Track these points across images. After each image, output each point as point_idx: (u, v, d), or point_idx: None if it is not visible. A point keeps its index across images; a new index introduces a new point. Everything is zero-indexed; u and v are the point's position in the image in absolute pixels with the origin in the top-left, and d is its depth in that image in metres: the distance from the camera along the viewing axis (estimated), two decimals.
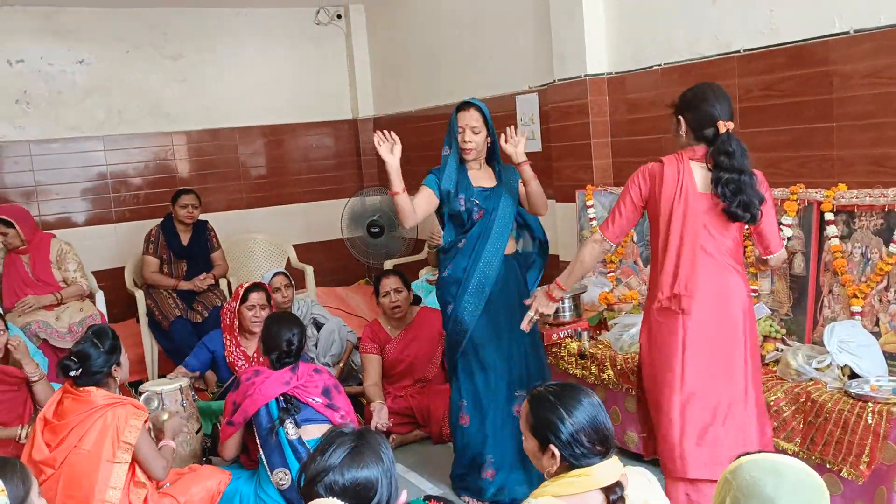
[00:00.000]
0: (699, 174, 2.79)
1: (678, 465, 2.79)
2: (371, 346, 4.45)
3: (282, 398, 3.39)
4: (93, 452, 3.02)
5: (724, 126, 2.73)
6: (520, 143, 3.44)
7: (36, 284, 5.10)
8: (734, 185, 2.70)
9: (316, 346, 4.95)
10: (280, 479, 3.35)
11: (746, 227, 2.89)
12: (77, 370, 3.11)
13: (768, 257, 2.93)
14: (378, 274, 4.65)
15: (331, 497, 1.76)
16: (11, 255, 5.15)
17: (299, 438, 3.36)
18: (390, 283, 4.46)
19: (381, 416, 4.09)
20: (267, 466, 3.39)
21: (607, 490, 1.95)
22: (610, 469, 1.99)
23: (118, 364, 3.23)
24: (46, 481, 3.02)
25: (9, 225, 5.09)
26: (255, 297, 4.34)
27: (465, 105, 3.48)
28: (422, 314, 4.57)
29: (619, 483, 1.96)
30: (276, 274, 4.94)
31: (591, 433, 1.99)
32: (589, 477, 1.97)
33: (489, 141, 3.52)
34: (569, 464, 2.00)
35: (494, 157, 3.58)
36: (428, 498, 3.50)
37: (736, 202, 2.72)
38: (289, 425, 3.37)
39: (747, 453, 1.79)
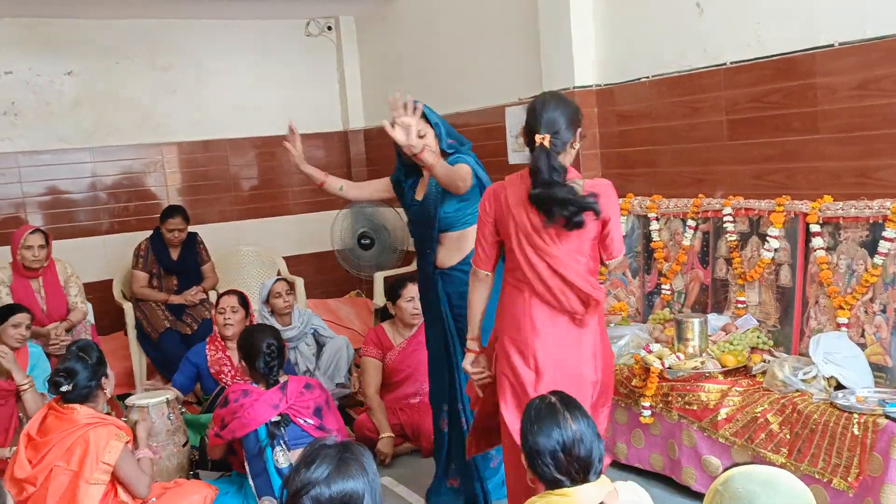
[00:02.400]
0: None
1: None
2: (373, 351, 4.43)
3: (271, 422, 3.35)
4: (76, 472, 3.00)
5: (539, 138, 2.59)
6: (411, 129, 2.98)
7: (47, 313, 4.92)
8: (541, 184, 2.58)
9: (317, 359, 4.93)
10: None
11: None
12: (68, 385, 3.13)
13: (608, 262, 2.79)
14: (400, 279, 4.58)
15: None
16: (21, 279, 4.91)
17: (289, 466, 3.29)
18: (414, 290, 4.23)
19: (385, 448, 4.12)
20: (255, 491, 3.35)
21: None
22: (591, 493, 1.99)
23: (106, 376, 3.25)
24: (30, 498, 2.99)
25: (47, 239, 4.94)
26: (226, 300, 4.40)
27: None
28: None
29: None
30: (277, 280, 4.95)
31: (556, 457, 2.01)
32: (569, 498, 1.98)
33: (437, 139, 3.29)
34: (544, 481, 2.02)
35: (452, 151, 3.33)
36: None
37: (542, 206, 2.61)
38: (279, 453, 3.31)
39: (736, 464, 1.79)
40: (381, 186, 3.70)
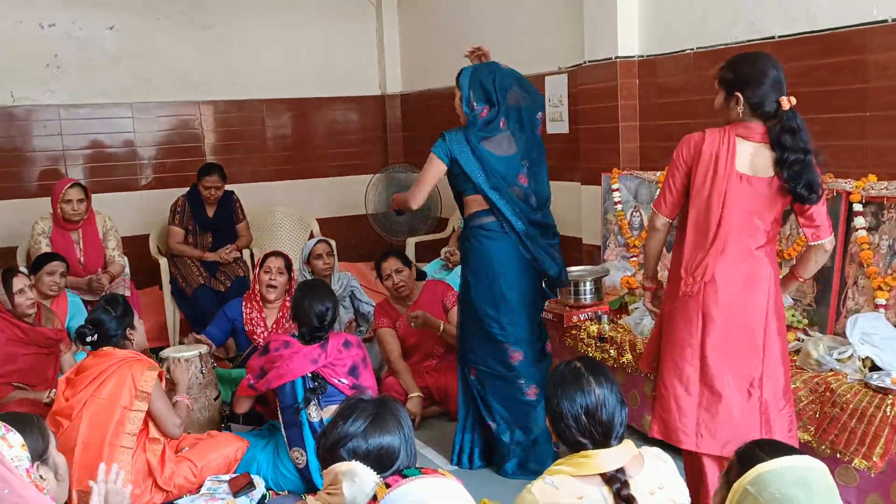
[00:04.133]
0: (745, 154, 2.65)
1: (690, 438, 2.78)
2: (385, 322, 4.46)
3: (309, 377, 3.38)
4: (110, 401, 3.12)
5: (787, 102, 2.59)
6: None
7: (84, 265, 5.01)
8: (799, 166, 2.57)
9: (352, 320, 4.96)
10: (297, 459, 3.38)
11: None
12: (92, 335, 3.27)
13: (818, 243, 2.72)
14: (378, 259, 4.61)
15: (354, 460, 1.79)
16: (61, 230, 5.01)
17: (321, 420, 3.35)
18: (389, 265, 4.43)
19: (414, 407, 4.15)
20: (287, 442, 3.41)
21: (608, 477, 1.98)
22: (612, 456, 2.02)
23: (132, 327, 3.35)
24: (64, 432, 3.10)
25: (86, 192, 5.02)
26: (273, 262, 4.42)
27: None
28: (426, 289, 4.56)
29: (622, 469, 1.99)
30: (319, 241, 4.93)
31: (579, 420, 2.03)
32: (591, 460, 2.01)
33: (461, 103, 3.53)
34: (567, 444, 2.05)
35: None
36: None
37: (802, 183, 2.58)
38: (312, 407, 3.36)
39: (753, 449, 1.73)
40: None
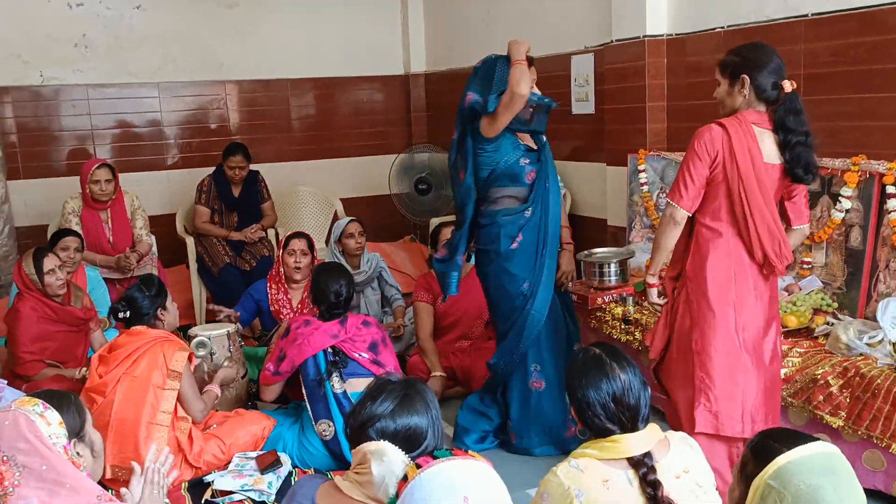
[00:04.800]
0: (764, 143, 2.72)
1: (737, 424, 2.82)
2: (425, 296, 4.47)
3: (330, 350, 3.46)
4: (143, 378, 3.17)
5: (790, 84, 2.68)
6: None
7: (113, 244, 5.07)
8: (801, 148, 2.66)
9: (380, 302, 4.97)
10: (324, 430, 3.43)
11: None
12: (125, 312, 3.35)
13: (801, 227, 2.89)
14: (438, 225, 4.63)
15: (382, 440, 1.81)
16: (90, 210, 5.06)
17: (344, 392, 3.43)
18: (448, 234, 4.42)
19: (435, 386, 4.16)
20: (312, 416, 3.46)
21: (635, 461, 1.98)
22: (639, 440, 2.02)
23: (164, 308, 3.40)
24: (98, 408, 3.15)
25: (113, 173, 5.07)
26: (296, 244, 4.45)
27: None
28: (475, 271, 4.57)
29: (649, 454, 1.99)
30: (351, 220, 4.92)
31: (607, 407, 2.03)
32: (618, 444, 2.01)
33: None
34: (595, 431, 2.04)
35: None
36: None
37: (801, 164, 2.68)
38: (335, 379, 3.44)
39: (769, 440, 1.69)
40: None
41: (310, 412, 3.47)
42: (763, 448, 1.67)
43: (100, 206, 5.07)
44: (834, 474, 1.60)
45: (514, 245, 3.43)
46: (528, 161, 3.42)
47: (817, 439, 1.68)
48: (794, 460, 1.61)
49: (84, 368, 3.72)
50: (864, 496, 1.63)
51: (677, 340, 2.92)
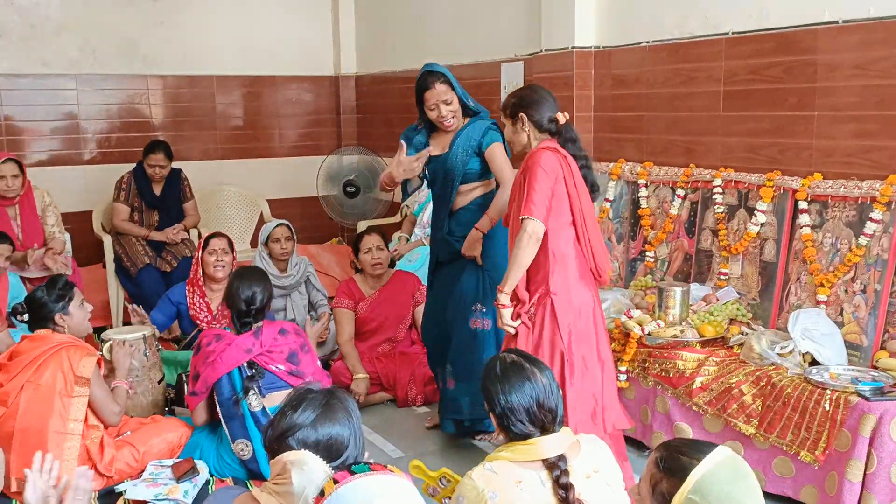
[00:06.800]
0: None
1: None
2: (345, 302, 4.46)
3: (245, 366, 3.30)
4: (48, 386, 3.04)
5: (563, 117, 2.97)
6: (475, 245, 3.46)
7: (22, 241, 4.81)
8: (585, 170, 2.97)
9: (307, 307, 4.88)
10: (241, 451, 3.29)
11: None
12: (23, 314, 3.26)
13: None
14: (360, 232, 4.63)
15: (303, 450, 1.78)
16: None
17: (263, 409, 3.29)
18: (372, 240, 4.47)
19: (359, 388, 4.15)
20: (228, 435, 3.32)
21: (549, 464, 2.04)
22: (554, 442, 2.08)
23: (65, 313, 3.24)
24: (1, 418, 3.00)
25: (21, 168, 4.83)
26: (216, 243, 4.36)
27: (427, 81, 3.41)
28: (396, 276, 4.59)
29: (563, 457, 2.06)
30: (279, 224, 4.78)
31: (531, 411, 2.09)
32: (533, 447, 2.07)
33: (461, 101, 3.51)
34: (514, 436, 2.08)
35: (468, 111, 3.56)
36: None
37: (589, 184, 2.98)
38: (252, 397, 3.28)
39: (676, 454, 1.71)
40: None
41: (226, 431, 3.32)
42: (673, 462, 1.69)
43: (7, 203, 4.85)
44: (744, 477, 1.69)
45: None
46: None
47: (714, 445, 1.74)
48: (708, 471, 1.66)
49: None
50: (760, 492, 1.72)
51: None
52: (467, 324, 3.55)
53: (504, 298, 2.91)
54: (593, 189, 3.01)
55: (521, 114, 2.97)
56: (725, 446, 1.75)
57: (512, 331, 2.94)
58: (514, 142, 3.06)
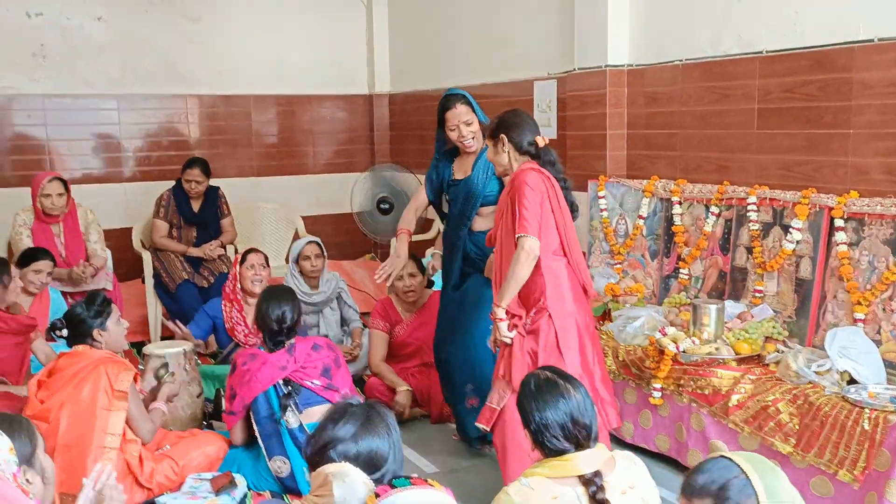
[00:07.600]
0: None
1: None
2: (381, 324, 4.47)
3: (281, 383, 3.33)
4: (89, 401, 3.08)
5: (542, 140, 3.09)
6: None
7: (66, 258, 4.94)
8: (564, 192, 3.10)
9: (339, 322, 4.92)
10: (279, 468, 3.32)
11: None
12: (61, 329, 3.30)
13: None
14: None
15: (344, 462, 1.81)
16: (42, 224, 4.94)
17: (301, 426, 3.30)
18: (406, 267, 4.36)
19: (404, 399, 4.20)
20: (265, 452, 3.34)
21: (585, 480, 2.05)
22: (590, 458, 2.09)
23: (103, 329, 3.30)
24: (42, 435, 3.06)
25: (66, 186, 4.96)
26: (254, 258, 4.45)
27: (449, 102, 3.59)
28: (434, 298, 4.53)
29: (599, 473, 2.07)
30: (309, 242, 4.84)
31: (565, 427, 2.11)
32: (569, 463, 2.08)
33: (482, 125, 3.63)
34: (549, 452, 2.10)
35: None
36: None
37: (569, 203, 3.13)
38: (289, 414, 3.29)
39: (723, 475, 1.74)
40: (422, 202, 3.93)
41: (263, 449, 3.34)
42: (728, 485, 1.72)
43: (51, 220, 4.98)
44: (774, 471, 1.77)
45: None
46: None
47: (727, 457, 1.79)
48: (751, 463, 1.73)
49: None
50: None
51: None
52: (486, 341, 3.59)
53: (500, 312, 3.05)
54: (573, 208, 3.16)
55: (502, 135, 3.09)
56: (723, 455, 1.80)
57: (508, 342, 3.07)
58: (495, 162, 3.20)
